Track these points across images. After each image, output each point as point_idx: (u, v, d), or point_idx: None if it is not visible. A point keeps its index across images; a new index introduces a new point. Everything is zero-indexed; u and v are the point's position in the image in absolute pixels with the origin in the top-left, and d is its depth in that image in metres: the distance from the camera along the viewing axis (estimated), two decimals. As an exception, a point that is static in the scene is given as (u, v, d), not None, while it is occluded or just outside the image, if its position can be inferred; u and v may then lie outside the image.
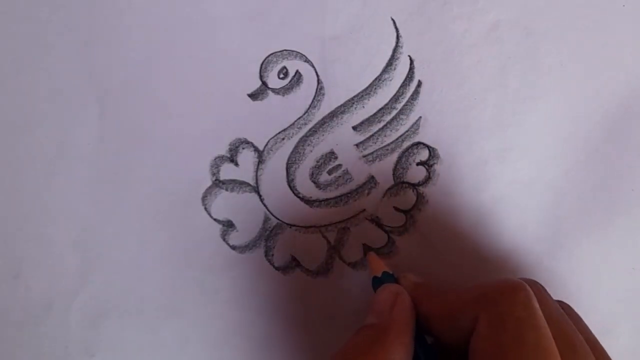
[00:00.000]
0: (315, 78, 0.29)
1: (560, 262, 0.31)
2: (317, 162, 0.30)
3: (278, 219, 0.30)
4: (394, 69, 0.30)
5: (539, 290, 0.25)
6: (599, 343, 0.26)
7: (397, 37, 0.29)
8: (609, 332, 0.31)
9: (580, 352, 0.23)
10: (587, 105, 0.30)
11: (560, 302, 0.27)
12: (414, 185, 0.30)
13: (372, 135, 0.30)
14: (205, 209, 0.29)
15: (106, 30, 0.29)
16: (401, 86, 0.30)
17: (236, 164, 0.29)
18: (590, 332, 0.26)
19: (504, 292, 0.23)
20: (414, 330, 0.24)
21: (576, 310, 0.30)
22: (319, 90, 0.29)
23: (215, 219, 0.30)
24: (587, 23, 0.30)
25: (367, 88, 0.30)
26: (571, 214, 0.30)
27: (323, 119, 0.30)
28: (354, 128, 0.30)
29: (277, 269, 0.30)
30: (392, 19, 0.29)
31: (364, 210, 0.30)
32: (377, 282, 0.27)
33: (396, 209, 0.30)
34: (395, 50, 0.30)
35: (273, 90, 0.29)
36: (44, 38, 0.29)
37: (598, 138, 0.30)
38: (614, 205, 0.30)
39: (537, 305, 0.23)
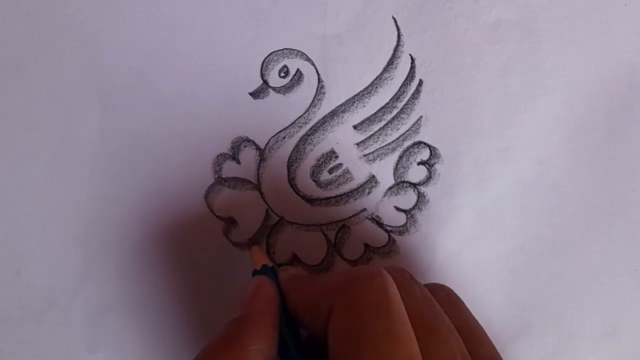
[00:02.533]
0: (316, 77, 0.29)
1: (561, 262, 0.31)
2: (318, 160, 0.30)
3: (279, 217, 0.30)
4: (395, 67, 0.30)
5: (404, 278, 0.25)
6: (480, 329, 0.26)
7: (398, 35, 0.30)
8: (611, 334, 0.31)
9: (441, 334, 0.23)
10: (588, 105, 0.30)
11: (436, 286, 0.27)
12: (414, 185, 0.30)
13: (372, 135, 0.30)
14: (208, 205, 0.30)
15: (108, 28, 0.29)
16: (402, 85, 0.30)
17: (238, 162, 0.30)
18: (470, 316, 0.26)
19: (359, 279, 0.23)
20: (276, 321, 0.24)
21: (576, 310, 0.30)
22: (320, 89, 0.29)
23: (217, 216, 0.30)
24: (588, 22, 0.30)
25: (368, 87, 0.30)
26: (572, 214, 0.30)
27: (324, 117, 0.30)
28: (355, 127, 0.30)
29: (278, 265, 0.30)
30: (393, 18, 0.29)
31: (365, 209, 0.30)
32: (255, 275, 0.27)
33: (397, 208, 0.30)
34: (396, 49, 0.30)
35: (274, 88, 0.29)
36: (45, 35, 0.29)
37: (599, 138, 0.30)
38: (615, 205, 0.30)
39: (393, 291, 0.22)
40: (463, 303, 0.27)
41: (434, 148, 0.30)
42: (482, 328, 0.26)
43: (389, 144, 0.30)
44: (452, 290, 0.27)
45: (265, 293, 0.25)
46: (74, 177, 0.29)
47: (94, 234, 0.30)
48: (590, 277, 0.31)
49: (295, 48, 0.29)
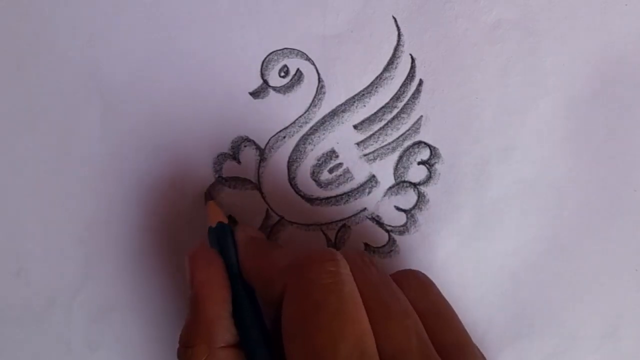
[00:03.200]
0: (316, 76, 0.29)
1: (561, 262, 0.30)
2: (318, 160, 0.30)
3: (279, 216, 0.30)
4: (395, 67, 0.30)
5: (362, 260, 0.25)
6: (450, 315, 0.26)
7: (399, 35, 0.30)
8: (612, 335, 0.31)
9: (395, 314, 0.23)
10: (588, 105, 0.30)
11: (407, 272, 0.27)
12: (415, 185, 0.30)
13: (373, 134, 0.30)
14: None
15: (108, 28, 0.29)
16: (402, 85, 0.30)
17: (238, 162, 0.30)
18: (441, 302, 0.27)
19: (312, 260, 0.23)
20: (222, 279, 0.25)
21: (577, 310, 0.30)
22: (320, 88, 0.29)
23: (217, 216, 0.30)
24: (589, 22, 0.30)
25: (368, 87, 0.30)
26: (573, 214, 0.30)
27: (324, 117, 0.30)
28: (355, 127, 0.30)
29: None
30: (394, 18, 0.29)
31: (365, 209, 0.30)
32: (211, 234, 0.27)
33: (397, 208, 0.30)
34: (396, 49, 0.30)
35: (274, 88, 0.29)
36: (46, 35, 0.29)
37: (600, 138, 0.30)
38: (616, 205, 0.30)
39: (346, 272, 0.23)
40: (435, 288, 0.27)
41: (434, 148, 0.30)
42: (454, 314, 0.26)
43: (389, 143, 0.30)
44: (426, 276, 0.27)
45: (203, 261, 0.26)
46: (74, 177, 0.30)
47: (94, 233, 0.30)
48: (590, 277, 0.31)
49: (295, 48, 0.29)
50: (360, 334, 0.22)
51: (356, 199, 0.30)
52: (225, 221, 0.27)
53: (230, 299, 0.25)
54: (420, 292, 0.26)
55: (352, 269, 0.24)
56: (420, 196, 0.30)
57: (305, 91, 0.30)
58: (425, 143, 0.30)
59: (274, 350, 0.24)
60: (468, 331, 0.27)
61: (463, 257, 0.30)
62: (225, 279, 0.25)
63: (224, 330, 0.24)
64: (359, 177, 0.30)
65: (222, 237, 0.27)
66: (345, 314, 0.22)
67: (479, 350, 0.26)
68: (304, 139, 0.30)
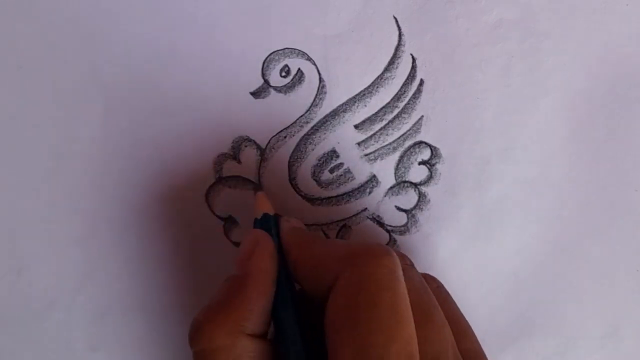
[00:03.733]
0: (317, 76, 0.29)
1: (562, 263, 0.31)
2: (319, 160, 0.30)
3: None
4: (396, 67, 0.30)
5: (406, 263, 0.25)
6: (466, 323, 0.26)
7: (399, 35, 0.30)
8: (612, 335, 0.31)
9: (436, 322, 0.23)
10: (589, 105, 0.30)
11: (428, 277, 0.27)
12: (415, 185, 0.30)
13: (373, 134, 0.30)
14: (209, 205, 0.30)
15: (110, 28, 0.29)
16: (403, 85, 0.30)
17: (239, 162, 0.30)
18: (457, 310, 0.27)
19: (370, 254, 0.23)
20: (274, 277, 0.24)
21: (578, 310, 0.30)
22: (321, 88, 0.30)
23: (218, 216, 0.30)
24: (589, 22, 0.30)
25: (369, 87, 0.30)
26: (573, 214, 0.30)
27: (325, 117, 0.30)
28: (356, 127, 0.30)
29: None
30: (394, 17, 0.30)
31: (366, 209, 0.30)
32: (257, 225, 0.27)
33: (398, 208, 0.30)
34: (397, 49, 0.30)
35: (275, 88, 0.29)
36: (47, 35, 0.29)
37: (600, 138, 0.30)
38: (616, 205, 0.30)
39: (400, 272, 0.23)
40: (451, 297, 0.27)
41: (435, 148, 0.30)
42: (468, 323, 0.27)
43: (390, 143, 0.30)
44: (442, 283, 0.28)
45: (264, 249, 0.25)
46: (75, 177, 0.30)
47: (95, 233, 0.30)
48: (591, 278, 0.31)
49: (296, 48, 0.29)
50: (409, 336, 0.21)
51: (357, 199, 0.30)
52: (272, 212, 0.27)
53: (273, 295, 0.24)
54: (442, 299, 0.26)
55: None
56: (421, 196, 0.30)
57: (306, 91, 0.30)
58: (426, 143, 0.30)
59: (309, 347, 0.24)
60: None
61: (464, 257, 0.30)
62: (276, 275, 0.25)
63: (260, 321, 0.23)
64: (360, 177, 0.30)
65: (266, 228, 0.26)
66: (400, 313, 0.21)
67: (487, 358, 0.26)
68: (305, 138, 0.30)
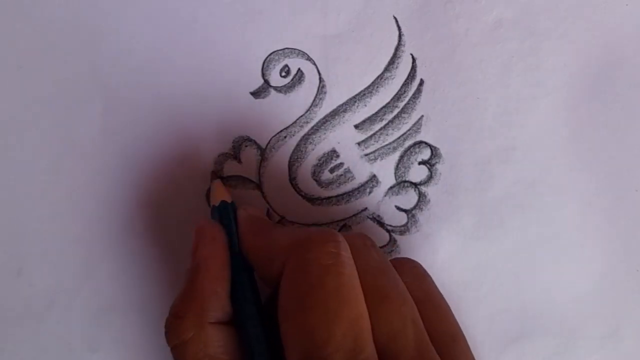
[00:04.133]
0: (317, 76, 0.29)
1: (562, 263, 0.30)
2: (319, 160, 0.30)
3: (280, 216, 0.30)
4: (396, 67, 0.30)
5: (363, 244, 0.25)
6: (445, 307, 0.26)
7: (399, 35, 0.30)
8: (613, 335, 0.31)
9: (393, 301, 0.23)
10: (589, 105, 0.30)
11: (403, 259, 0.28)
12: (415, 185, 0.30)
13: (373, 134, 0.30)
14: (209, 205, 0.30)
15: (109, 28, 0.29)
16: (403, 85, 0.30)
17: (239, 161, 0.30)
18: (436, 292, 0.27)
19: (313, 240, 0.23)
20: (225, 263, 0.25)
21: (578, 311, 0.30)
22: (321, 88, 0.30)
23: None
24: (589, 22, 0.30)
25: (369, 86, 0.30)
26: (574, 214, 0.30)
27: (325, 117, 0.30)
28: (356, 126, 0.30)
29: None
30: (395, 17, 0.30)
31: (366, 209, 0.30)
32: (214, 212, 0.27)
33: (398, 208, 0.30)
34: (397, 49, 0.30)
35: (275, 88, 0.29)
36: (47, 35, 0.29)
37: (601, 138, 0.30)
38: (616, 205, 0.30)
39: (346, 254, 0.23)
40: (430, 278, 0.27)
41: (435, 148, 0.30)
42: (447, 306, 0.26)
43: (390, 143, 0.30)
44: (421, 266, 0.28)
45: (208, 236, 0.26)
46: (75, 177, 0.29)
47: (95, 233, 0.30)
48: (591, 278, 0.31)
49: (296, 48, 0.29)
50: (355, 317, 0.22)
51: (357, 198, 0.30)
52: (229, 200, 0.27)
53: (229, 277, 0.25)
54: (417, 280, 0.26)
55: (352, 251, 0.24)
56: (421, 196, 0.30)
57: (306, 91, 0.30)
58: (426, 143, 0.30)
59: (269, 330, 0.24)
60: (470, 331, 0.27)
61: (464, 257, 0.30)
62: (227, 257, 0.25)
63: (219, 307, 0.24)
64: (360, 176, 0.30)
65: (224, 215, 0.27)
66: (342, 295, 0.22)
67: (467, 342, 0.26)
68: (305, 138, 0.30)
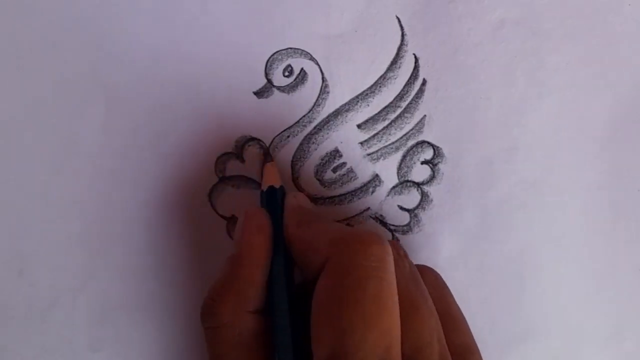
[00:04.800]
0: (320, 76, 0.30)
1: (564, 263, 0.30)
2: (322, 160, 0.30)
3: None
4: (399, 67, 0.30)
5: (398, 252, 0.25)
6: (461, 318, 0.27)
7: (402, 35, 0.30)
8: (615, 336, 0.31)
9: (422, 314, 0.23)
10: (592, 105, 0.30)
11: (426, 269, 0.28)
12: (418, 184, 0.30)
13: (376, 134, 0.30)
14: (212, 204, 0.30)
15: (112, 28, 0.29)
16: (406, 84, 0.30)
17: (242, 161, 0.30)
18: (453, 303, 0.27)
19: (360, 240, 0.23)
20: (268, 251, 0.25)
21: (580, 312, 0.30)
22: (324, 88, 0.30)
23: (221, 215, 0.30)
24: (592, 22, 0.30)
25: (371, 86, 0.30)
26: (576, 214, 0.30)
27: (328, 117, 0.30)
28: (359, 126, 0.30)
29: None
30: (397, 17, 0.30)
31: (368, 208, 0.30)
32: (263, 198, 0.27)
33: (400, 207, 0.30)
34: (400, 49, 0.30)
35: (278, 88, 0.30)
36: (49, 34, 0.29)
37: (604, 138, 0.30)
38: (619, 205, 0.30)
39: (389, 261, 0.23)
40: (448, 289, 0.27)
41: (438, 147, 0.30)
42: (463, 317, 0.27)
43: (393, 143, 0.30)
44: (440, 276, 0.28)
45: (254, 224, 0.26)
46: (77, 176, 0.29)
47: (97, 233, 0.30)
48: (594, 278, 0.31)
49: (299, 47, 0.29)
50: (390, 326, 0.22)
51: (360, 198, 0.30)
52: (277, 185, 0.27)
53: (269, 267, 0.25)
54: (437, 291, 0.26)
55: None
56: (424, 196, 0.30)
57: (309, 91, 0.30)
58: (428, 143, 0.30)
59: (297, 321, 0.24)
60: (472, 332, 0.27)
61: (467, 257, 0.30)
62: (271, 248, 0.25)
63: (257, 296, 0.25)
64: (363, 176, 0.30)
65: (270, 201, 0.27)
66: (382, 301, 0.22)
67: (481, 355, 0.26)
68: (308, 138, 0.30)
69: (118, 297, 0.30)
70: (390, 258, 0.23)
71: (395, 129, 0.30)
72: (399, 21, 0.30)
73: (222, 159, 0.30)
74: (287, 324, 0.24)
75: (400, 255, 0.26)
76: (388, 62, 0.30)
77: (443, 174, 0.30)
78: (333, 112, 0.30)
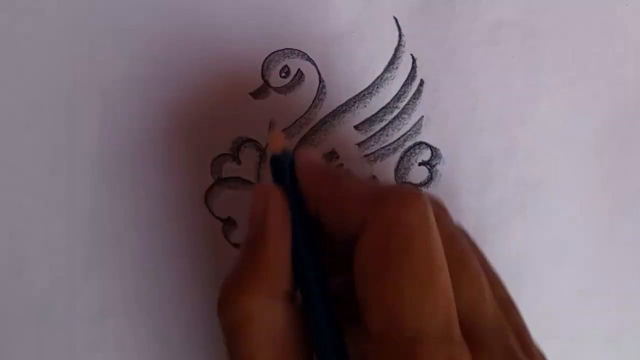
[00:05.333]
0: (317, 77, 0.29)
1: (564, 264, 0.30)
2: (319, 161, 0.30)
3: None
4: (396, 67, 0.30)
5: (441, 208, 0.24)
6: (495, 272, 0.25)
7: (399, 35, 0.30)
8: (615, 338, 0.31)
9: (471, 270, 0.22)
10: (590, 105, 0.30)
11: (463, 230, 0.26)
12: (416, 186, 0.30)
13: (373, 135, 0.30)
14: (208, 206, 0.30)
15: (110, 28, 0.29)
16: (403, 85, 0.30)
17: (238, 162, 0.30)
18: (487, 260, 0.26)
19: (401, 197, 0.21)
20: (289, 226, 0.22)
21: (579, 314, 0.30)
22: (321, 89, 0.30)
23: (217, 217, 0.30)
24: (589, 22, 0.30)
25: (368, 87, 0.30)
26: (575, 215, 0.30)
27: (325, 117, 0.30)
28: (356, 127, 0.30)
29: None
30: (395, 18, 0.30)
31: (366, 209, 0.30)
32: (271, 168, 0.24)
33: (398, 209, 0.30)
34: (397, 49, 0.30)
35: (275, 88, 0.29)
36: (47, 36, 0.29)
37: (602, 138, 0.30)
38: (618, 206, 0.30)
39: (432, 218, 0.21)
40: (478, 245, 0.26)
41: (435, 149, 0.30)
42: (495, 270, 0.25)
43: (390, 144, 0.30)
44: (470, 235, 0.27)
45: (276, 202, 0.23)
46: (75, 177, 0.30)
47: (95, 234, 0.30)
48: (593, 279, 0.30)
49: (296, 48, 0.29)
50: (446, 285, 0.20)
51: (357, 199, 0.30)
52: (279, 151, 0.24)
53: (291, 247, 0.22)
54: (474, 247, 0.25)
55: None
56: (422, 197, 0.30)
57: (306, 91, 0.30)
58: (426, 144, 0.30)
59: (329, 297, 0.22)
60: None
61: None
62: (290, 223, 0.23)
63: (286, 280, 0.22)
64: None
65: (277, 170, 0.24)
66: (434, 260, 0.20)
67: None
68: (305, 139, 0.30)
69: (116, 298, 0.30)
70: (432, 215, 0.21)
71: (393, 130, 0.30)
72: (396, 22, 0.30)
73: (218, 160, 0.30)
74: (321, 303, 0.22)
75: (443, 209, 0.24)
76: (385, 63, 0.30)
77: (441, 175, 0.30)
78: (330, 113, 0.30)
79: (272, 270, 0.22)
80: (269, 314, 0.21)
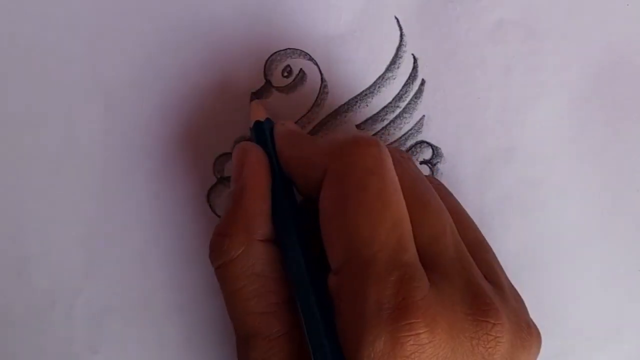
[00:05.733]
0: (319, 76, 0.30)
1: (564, 263, 0.30)
2: (321, 160, 0.30)
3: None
4: (398, 67, 0.30)
5: (401, 155, 0.25)
6: (468, 215, 0.26)
7: (401, 35, 0.30)
8: (614, 337, 0.31)
9: (433, 207, 0.23)
10: (591, 105, 0.30)
11: (428, 177, 0.28)
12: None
13: (375, 134, 0.30)
14: (210, 206, 0.30)
15: (111, 28, 0.29)
16: (405, 85, 0.30)
17: (241, 162, 0.30)
18: (458, 204, 0.27)
19: (356, 144, 0.23)
20: (269, 182, 0.25)
21: (579, 312, 0.30)
22: (323, 88, 0.30)
23: (219, 216, 0.30)
24: (590, 22, 0.30)
25: (370, 87, 0.30)
26: (575, 214, 0.30)
27: (326, 117, 0.30)
28: (358, 126, 0.30)
29: None
30: (396, 18, 0.30)
31: (367, 209, 0.30)
32: (253, 134, 0.27)
33: (399, 208, 0.30)
34: (398, 49, 0.30)
35: (277, 88, 0.30)
36: (48, 35, 0.29)
37: (602, 138, 0.30)
38: (619, 206, 0.30)
39: (388, 159, 0.23)
40: (452, 194, 0.27)
41: (437, 148, 0.30)
42: (469, 215, 0.27)
43: (392, 143, 0.30)
44: (442, 183, 0.28)
45: (251, 156, 0.25)
46: (76, 177, 0.29)
47: (96, 234, 0.30)
48: (593, 278, 0.30)
49: (298, 48, 0.29)
50: (399, 218, 0.22)
51: (358, 199, 0.30)
52: (262, 119, 0.27)
53: (270, 196, 0.25)
54: (442, 191, 0.26)
55: (392, 160, 0.23)
56: (423, 196, 0.30)
57: (308, 91, 0.30)
58: (427, 143, 0.30)
59: (307, 246, 0.24)
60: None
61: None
62: (269, 176, 0.25)
63: (265, 224, 0.24)
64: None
65: (260, 134, 0.26)
66: (387, 195, 0.22)
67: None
68: (307, 138, 0.30)
69: (117, 298, 0.30)
70: (389, 158, 0.23)
71: (394, 129, 0.30)
72: (398, 21, 0.30)
73: (221, 159, 0.30)
74: (299, 253, 0.24)
75: (404, 157, 0.25)
76: (387, 63, 0.30)
77: (442, 174, 0.30)
78: (332, 113, 0.30)
79: (249, 215, 0.24)
80: (251, 254, 0.24)
